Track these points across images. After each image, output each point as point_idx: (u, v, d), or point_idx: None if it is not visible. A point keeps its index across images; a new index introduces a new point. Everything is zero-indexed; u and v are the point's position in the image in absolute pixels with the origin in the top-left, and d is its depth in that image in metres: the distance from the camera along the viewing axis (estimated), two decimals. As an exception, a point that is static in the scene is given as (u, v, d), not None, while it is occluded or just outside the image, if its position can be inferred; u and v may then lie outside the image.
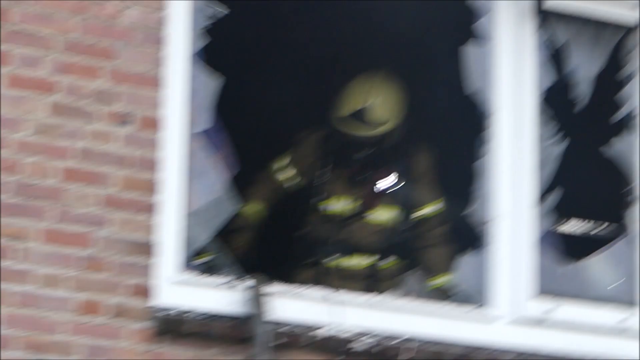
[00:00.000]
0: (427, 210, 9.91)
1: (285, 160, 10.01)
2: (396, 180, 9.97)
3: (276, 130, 10.77)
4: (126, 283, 7.45)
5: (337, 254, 9.82)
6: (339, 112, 9.83)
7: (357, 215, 9.87)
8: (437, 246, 9.95)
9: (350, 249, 9.80)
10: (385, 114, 9.73)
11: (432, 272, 9.78)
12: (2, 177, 7.36)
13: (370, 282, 9.71)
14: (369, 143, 9.72)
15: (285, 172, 9.99)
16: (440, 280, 9.72)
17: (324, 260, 9.86)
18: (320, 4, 10.69)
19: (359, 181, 9.93)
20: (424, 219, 9.95)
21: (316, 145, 10.06)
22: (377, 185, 9.94)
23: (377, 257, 9.84)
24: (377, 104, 9.79)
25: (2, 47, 7.51)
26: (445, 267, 9.71)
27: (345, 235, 9.86)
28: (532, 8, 8.87)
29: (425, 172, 10.06)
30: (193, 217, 7.99)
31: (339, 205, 9.91)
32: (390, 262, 9.83)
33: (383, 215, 9.92)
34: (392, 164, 9.97)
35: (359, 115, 9.71)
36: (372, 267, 9.85)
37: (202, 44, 8.19)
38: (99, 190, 7.46)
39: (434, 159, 10.14)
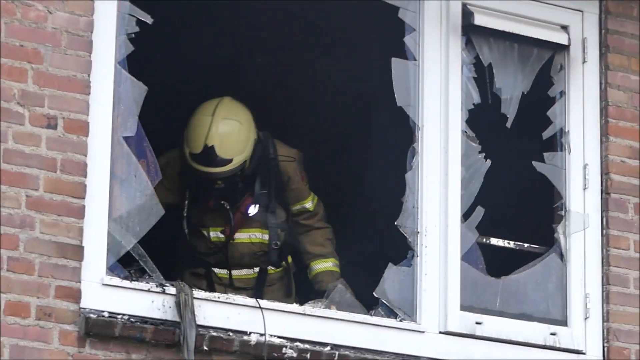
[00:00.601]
0: (299, 206, 10.11)
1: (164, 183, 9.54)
2: (257, 202, 9.91)
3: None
4: (55, 285, 7.35)
5: (225, 268, 9.96)
6: (189, 148, 9.74)
7: (229, 241, 9.85)
8: (314, 234, 10.16)
9: (236, 264, 9.96)
10: (230, 152, 9.63)
11: (315, 257, 9.99)
12: None
13: (261, 288, 9.91)
14: (221, 177, 9.65)
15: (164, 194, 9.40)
16: (324, 265, 10.00)
17: (217, 271, 9.98)
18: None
19: (221, 210, 9.85)
20: (297, 214, 10.13)
21: (178, 176, 10.00)
22: (241, 210, 9.91)
23: (264, 265, 10.02)
24: (221, 144, 9.67)
25: None
26: (327, 251, 10.05)
27: (228, 253, 9.93)
28: (460, 25, 8.95)
29: (294, 179, 10.10)
30: (117, 222, 7.95)
31: (214, 234, 9.93)
32: (276, 268, 10.01)
33: (255, 232, 9.98)
34: (251, 187, 9.94)
35: (206, 154, 9.63)
36: (261, 275, 10.02)
37: (127, 51, 8.16)
38: (26, 191, 7.40)
39: (300, 166, 10.13)
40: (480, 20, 9.00)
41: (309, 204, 10.18)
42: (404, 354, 8.37)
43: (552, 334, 8.81)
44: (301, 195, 10.18)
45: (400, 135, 9.45)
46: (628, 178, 9.23)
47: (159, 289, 7.87)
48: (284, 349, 8.03)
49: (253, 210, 9.90)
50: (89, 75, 7.77)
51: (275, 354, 7.99)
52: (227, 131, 9.67)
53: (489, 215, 9.26)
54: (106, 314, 7.57)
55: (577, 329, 8.87)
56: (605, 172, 9.21)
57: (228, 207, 9.79)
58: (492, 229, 9.37)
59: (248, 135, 9.74)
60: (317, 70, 12.00)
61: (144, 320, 7.66)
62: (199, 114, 9.82)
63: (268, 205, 10.08)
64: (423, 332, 8.48)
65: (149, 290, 7.81)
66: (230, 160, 9.53)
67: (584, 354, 8.83)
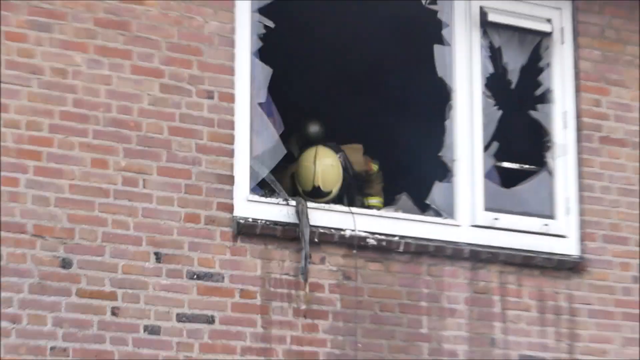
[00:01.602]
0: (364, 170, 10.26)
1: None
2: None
3: (301, 106, 10.57)
4: (216, 202, 7.79)
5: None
6: (302, 187, 9.70)
7: None
8: (376, 186, 10.33)
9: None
10: (330, 186, 9.56)
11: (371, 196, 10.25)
12: (130, 132, 7.63)
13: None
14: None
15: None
16: (375, 201, 10.18)
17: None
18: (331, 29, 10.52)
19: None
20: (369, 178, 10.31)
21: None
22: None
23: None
24: (324, 183, 9.55)
25: (125, 47, 7.67)
26: (379, 194, 10.33)
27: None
28: (479, 21, 9.07)
29: (362, 166, 10.23)
30: (256, 159, 8.22)
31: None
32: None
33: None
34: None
35: (315, 191, 9.50)
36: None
37: (258, 46, 8.33)
38: (194, 141, 7.75)
39: (363, 156, 10.30)
40: (492, 17, 9.19)
41: (373, 173, 10.32)
42: (447, 240, 8.64)
43: (544, 225, 9.09)
44: (368, 172, 10.26)
45: (440, 96, 9.45)
46: (594, 120, 9.33)
47: (284, 202, 8.24)
48: (367, 239, 8.28)
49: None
50: (233, 62, 8.06)
51: (362, 243, 8.24)
52: (327, 172, 9.62)
53: (502, 147, 9.38)
54: (250, 220, 7.91)
55: (562, 221, 9.13)
56: (578, 116, 9.39)
57: None
58: (504, 155, 9.44)
59: (338, 171, 9.72)
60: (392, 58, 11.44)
61: (275, 223, 8.03)
62: (305, 161, 9.87)
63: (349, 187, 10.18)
64: (459, 225, 8.78)
65: (277, 204, 8.20)
66: (330, 192, 9.56)
67: (566, 237, 9.07)
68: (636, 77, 9.70)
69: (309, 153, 9.90)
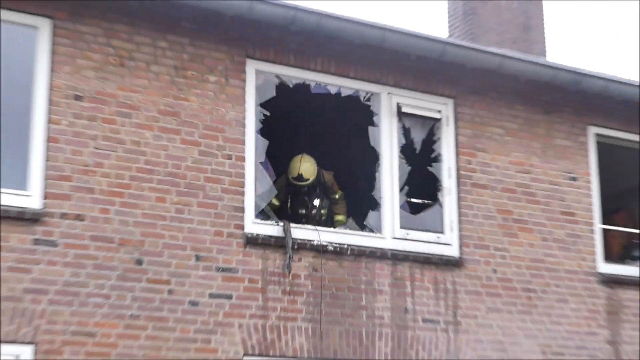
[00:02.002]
0: (335, 195, 10.43)
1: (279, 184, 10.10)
2: (318, 197, 10.39)
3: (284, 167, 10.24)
4: (233, 223, 8.59)
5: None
6: (290, 174, 10.06)
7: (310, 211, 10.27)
8: (341, 208, 10.40)
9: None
10: (308, 175, 10.02)
11: (338, 214, 10.40)
12: (180, 180, 8.45)
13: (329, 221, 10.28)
14: (305, 186, 10.13)
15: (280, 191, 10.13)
16: (341, 217, 10.38)
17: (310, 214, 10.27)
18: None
19: (304, 200, 10.24)
20: (336, 201, 10.43)
21: (285, 187, 10.27)
22: (312, 201, 10.28)
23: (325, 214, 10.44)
24: (305, 171, 10.02)
25: (177, 127, 8.48)
26: (344, 213, 10.46)
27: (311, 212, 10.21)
28: (397, 112, 9.79)
29: (332, 185, 10.45)
30: (258, 197, 9.05)
31: (300, 210, 10.26)
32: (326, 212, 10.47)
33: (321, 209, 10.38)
34: (315, 191, 10.36)
35: (298, 177, 9.96)
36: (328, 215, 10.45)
37: (259, 126, 9.10)
38: (220, 185, 8.63)
39: (340, 184, 10.55)
40: (404, 109, 9.83)
41: (338, 195, 10.41)
42: (377, 247, 9.32)
43: (437, 237, 9.76)
44: (335, 191, 10.35)
45: (373, 157, 10.00)
46: (467, 172, 9.97)
47: (276, 224, 9.00)
48: (327, 246, 9.01)
49: (317, 201, 10.36)
50: (244, 137, 8.85)
51: (324, 249, 8.94)
52: (307, 167, 10.03)
53: (411, 189, 10.05)
54: (255, 234, 8.69)
55: (448, 235, 9.77)
56: (457, 170, 9.98)
57: (307, 199, 10.26)
58: (412, 194, 10.05)
59: (314, 169, 10.04)
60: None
61: (270, 236, 8.79)
62: (294, 160, 10.07)
63: (322, 198, 10.38)
64: (384, 238, 9.48)
65: (271, 224, 8.95)
66: (308, 179, 9.98)
67: (451, 245, 9.71)
68: (494, 146, 10.20)
69: (297, 156, 10.12)
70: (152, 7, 8.52)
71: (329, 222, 10.29)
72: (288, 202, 10.33)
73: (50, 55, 8.11)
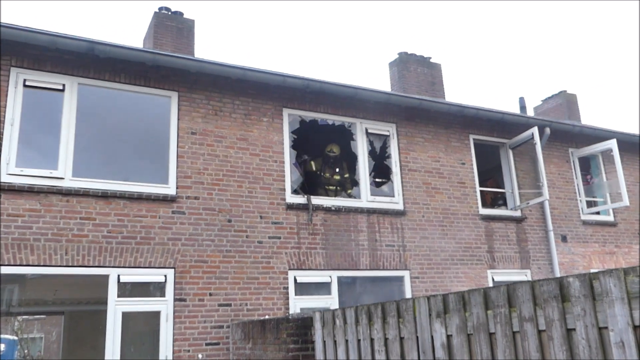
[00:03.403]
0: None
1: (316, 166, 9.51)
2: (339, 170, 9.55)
3: (306, 165, 9.78)
4: (279, 197, 8.27)
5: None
6: (326, 149, 9.44)
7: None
8: (348, 185, 9.51)
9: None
10: (336, 150, 9.40)
11: (348, 189, 9.50)
12: (249, 175, 8.04)
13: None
14: (332, 158, 9.45)
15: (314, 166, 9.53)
16: (349, 192, 9.55)
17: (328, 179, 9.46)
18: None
19: (331, 169, 9.50)
20: (345, 180, 9.56)
21: (321, 160, 9.56)
22: (336, 170, 9.52)
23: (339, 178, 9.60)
24: (334, 148, 9.44)
25: (249, 146, 7.95)
26: (350, 188, 9.46)
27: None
28: (366, 132, 9.21)
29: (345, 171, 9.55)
30: (293, 182, 8.72)
31: (328, 173, 9.51)
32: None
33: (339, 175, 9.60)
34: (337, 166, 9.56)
35: (330, 150, 9.39)
36: (340, 180, 9.63)
37: (291, 144, 8.67)
38: (272, 177, 8.27)
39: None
40: (370, 131, 9.21)
41: (347, 175, 9.58)
42: (358, 206, 8.77)
43: (391, 199, 9.08)
44: (345, 173, 9.59)
45: (354, 157, 9.44)
46: (405, 163, 9.50)
47: (303, 196, 8.53)
48: (332, 207, 8.54)
49: (338, 169, 9.66)
50: (283, 149, 8.50)
51: (329, 209, 8.48)
52: (336, 148, 9.52)
53: (376, 174, 9.51)
54: (292, 203, 8.29)
55: (397, 198, 9.19)
56: (399, 162, 9.46)
57: (332, 167, 9.54)
58: (377, 176, 9.56)
59: (339, 150, 9.42)
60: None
61: (299, 203, 8.42)
62: (329, 145, 9.57)
63: (339, 171, 9.64)
64: (362, 201, 8.87)
65: (301, 197, 8.49)
66: (336, 153, 9.44)
67: (398, 203, 9.14)
68: (418, 148, 9.67)
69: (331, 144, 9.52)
70: (231, 82, 8.48)
71: (341, 187, 9.69)
72: (321, 169, 9.73)
73: (177, 110, 8.10)
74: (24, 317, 18.71)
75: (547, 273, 10.27)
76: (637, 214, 11.80)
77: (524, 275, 10.01)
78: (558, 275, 10.21)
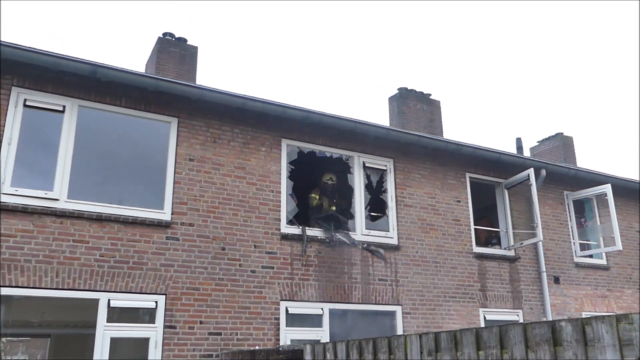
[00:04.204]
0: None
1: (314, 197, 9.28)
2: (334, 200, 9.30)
3: (306, 194, 9.34)
4: (274, 227, 8.23)
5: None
6: (324, 178, 9.30)
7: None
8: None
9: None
10: (334, 179, 9.26)
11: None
12: (245, 204, 8.01)
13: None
14: (331, 186, 9.24)
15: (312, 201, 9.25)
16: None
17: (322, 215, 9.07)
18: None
19: (329, 198, 9.29)
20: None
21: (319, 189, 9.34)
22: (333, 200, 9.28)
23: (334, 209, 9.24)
24: (332, 177, 9.30)
25: (246, 175, 7.91)
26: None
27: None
28: (363, 166, 9.24)
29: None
30: (289, 213, 8.58)
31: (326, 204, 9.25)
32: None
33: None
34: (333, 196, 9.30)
35: (329, 179, 9.25)
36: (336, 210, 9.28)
37: (288, 174, 8.62)
38: (267, 207, 8.23)
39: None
40: (368, 164, 9.23)
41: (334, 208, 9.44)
42: (354, 240, 8.77)
43: (386, 234, 9.06)
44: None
45: (350, 191, 9.42)
46: (400, 198, 9.47)
47: (298, 227, 8.50)
48: (326, 239, 8.54)
49: (334, 200, 9.34)
50: (280, 179, 8.47)
51: (323, 241, 8.48)
52: (333, 177, 9.37)
53: (371, 208, 9.50)
54: (286, 233, 8.29)
55: (392, 232, 9.20)
56: (395, 197, 9.40)
57: (330, 197, 9.39)
58: (372, 209, 9.55)
59: (336, 179, 9.25)
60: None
61: (294, 234, 8.37)
62: (327, 174, 9.42)
63: (334, 201, 9.39)
64: (357, 234, 8.80)
65: (296, 227, 8.47)
66: (334, 182, 9.32)
67: (393, 238, 9.16)
68: (415, 184, 9.66)
69: (328, 173, 9.41)
70: (231, 110, 8.48)
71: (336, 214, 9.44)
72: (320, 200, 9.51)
73: (176, 136, 8.12)
74: (9, 338, 18.39)
75: (538, 314, 10.26)
76: (629, 258, 11.81)
77: (516, 316, 10.00)
78: (550, 316, 10.14)
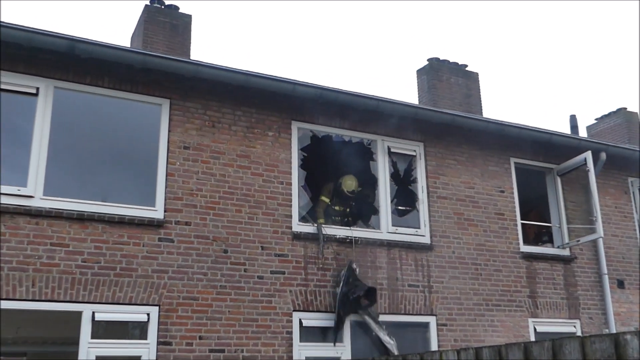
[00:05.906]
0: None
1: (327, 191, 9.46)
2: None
3: (320, 187, 9.62)
4: (285, 225, 8.36)
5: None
6: (345, 187, 9.21)
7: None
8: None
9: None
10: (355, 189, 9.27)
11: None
12: (250, 198, 8.17)
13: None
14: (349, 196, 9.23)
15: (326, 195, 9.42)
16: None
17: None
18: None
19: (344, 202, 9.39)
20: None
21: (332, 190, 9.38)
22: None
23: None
24: (355, 188, 9.32)
25: (251, 164, 8.10)
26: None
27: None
28: (387, 152, 9.36)
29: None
30: (300, 208, 8.73)
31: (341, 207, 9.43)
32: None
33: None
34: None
35: (352, 192, 9.26)
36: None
37: (300, 162, 8.81)
38: (276, 201, 8.36)
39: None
40: (393, 150, 9.39)
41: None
42: (377, 238, 8.87)
43: (416, 231, 9.17)
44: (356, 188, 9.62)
45: (373, 182, 9.61)
46: (433, 189, 9.57)
47: (312, 225, 8.62)
48: (346, 238, 8.66)
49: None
50: (291, 169, 8.57)
51: (343, 240, 8.63)
52: (355, 185, 9.32)
53: (398, 201, 9.66)
54: (299, 232, 8.35)
55: (423, 229, 9.29)
56: (427, 188, 9.56)
57: (346, 202, 9.47)
58: (400, 203, 9.74)
59: (355, 184, 9.30)
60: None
61: (308, 232, 8.44)
62: (349, 179, 9.43)
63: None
64: (382, 232, 9.02)
65: (310, 225, 8.58)
66: (353, 191, 9.36)
67: (424, 236, 9.25)
68: (450, 172, 9.77)
69: (351, 176, 9.43)
70: (232, 89, 8.48)
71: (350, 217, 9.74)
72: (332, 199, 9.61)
73: (168, 121, 8.14)
74: (-20, 357, 18.65)
75: (599, 324, 10.19)
76: None
77: (573, 327, 9.92)
78: (613, 328, 10.04)
